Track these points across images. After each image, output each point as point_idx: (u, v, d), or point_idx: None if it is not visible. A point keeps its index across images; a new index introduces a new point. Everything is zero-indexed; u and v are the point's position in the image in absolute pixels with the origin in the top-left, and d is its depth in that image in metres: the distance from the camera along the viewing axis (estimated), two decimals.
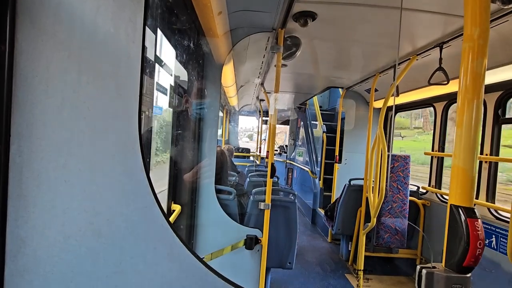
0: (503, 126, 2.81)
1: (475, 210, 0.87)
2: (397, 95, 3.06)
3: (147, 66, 1.54)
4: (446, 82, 2.42)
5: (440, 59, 2.42)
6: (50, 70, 0.76)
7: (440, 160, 3.68)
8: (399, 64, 2.98)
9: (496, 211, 2.72)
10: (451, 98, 3.47)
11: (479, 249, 0.83)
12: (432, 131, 3.80)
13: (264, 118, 8.36)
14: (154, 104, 2.01)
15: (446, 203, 0.94)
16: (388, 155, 2.97)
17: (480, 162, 2.87)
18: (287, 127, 9.56)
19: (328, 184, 5.38)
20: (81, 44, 0.79)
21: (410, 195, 3.67)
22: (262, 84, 4.53)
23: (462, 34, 0.99)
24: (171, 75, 2.20)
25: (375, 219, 3.01)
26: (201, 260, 0.97)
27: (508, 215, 2.61)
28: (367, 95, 4.76)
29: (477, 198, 2.88)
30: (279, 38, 2.37)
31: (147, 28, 0.91)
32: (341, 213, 3.99)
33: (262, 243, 2.41)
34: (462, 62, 0.89)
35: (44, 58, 0.75)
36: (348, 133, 5.21)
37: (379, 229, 3.57)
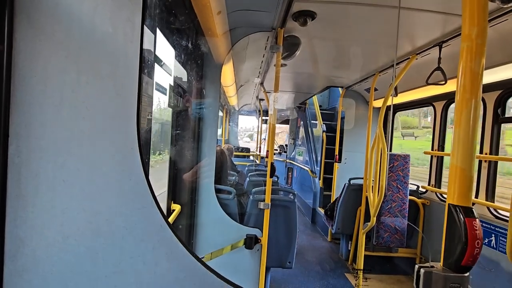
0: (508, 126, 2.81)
1: (473, 209, 0.87)
2: (396, 95, 3.05)
3: (146, 66, 1.54)
4: (443, 82, 2.41)
5: (439, 58, 2.42)
6: (48, 70, 0.76)
7: (440, 159, 3.69)
8: (399, 63, 2.98)
9: (495, 210, 2.73)
10: (450, 98, 3.47)
11: (477, 248, 0.83)
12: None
13: (264, 118, 8.36)
14: (153, 104, 2.00)
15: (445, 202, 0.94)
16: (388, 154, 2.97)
17: (480, 162, 2.87)
18: (288, 127, 9.55)
19: (328, 184, 5.38)
20: (79, 44, 0.78)
21: (410, 195, 3.67)
22: (261, 83, 4.52)
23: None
24: (171, 75, 2.19)
25: (374, 219, 3.01)
26: (200, 260, 0.97)
27: (508, 214, 2.61)
28: (367, 95, 4.75)
29: (476, 197, 2.88)
30: (278, 37, 2.37)
31: (145, 28, 0.90)
32: (340, 213, 4.00)
33: (262, 242, 2.41)
34: (460, 62, 0.89)
35: (42, 58, 0.75)
36: (347, 132, 5.20)
37: (379, 228, 3.57)
